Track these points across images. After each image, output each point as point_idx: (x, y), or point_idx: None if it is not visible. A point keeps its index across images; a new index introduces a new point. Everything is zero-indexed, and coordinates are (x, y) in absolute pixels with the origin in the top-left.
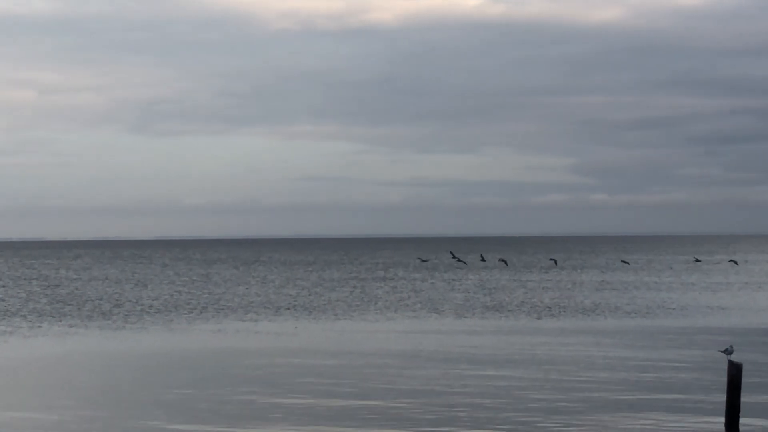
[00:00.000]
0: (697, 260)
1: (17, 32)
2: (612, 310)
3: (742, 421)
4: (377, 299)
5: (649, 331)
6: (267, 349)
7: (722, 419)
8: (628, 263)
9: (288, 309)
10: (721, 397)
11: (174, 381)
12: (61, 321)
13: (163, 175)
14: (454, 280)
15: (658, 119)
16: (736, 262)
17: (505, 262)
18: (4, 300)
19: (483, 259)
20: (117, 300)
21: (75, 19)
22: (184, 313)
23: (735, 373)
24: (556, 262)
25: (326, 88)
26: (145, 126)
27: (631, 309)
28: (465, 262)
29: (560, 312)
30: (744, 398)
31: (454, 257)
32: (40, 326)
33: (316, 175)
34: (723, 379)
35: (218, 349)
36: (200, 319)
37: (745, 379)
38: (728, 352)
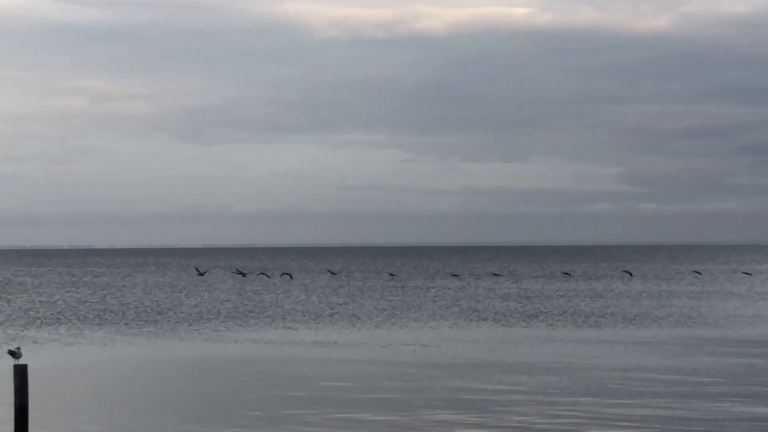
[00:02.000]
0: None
1: (68, 41)
2: (653, 320)
3: None
4: (419, 307)
5: (691, 341)
6: (304, 359)
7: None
8: (700, 273)
9: (328, 317)
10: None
11: (209, 392)
12: (103, 328)
13: (211, 183)
14: (492, 288)
15: (708, 128)
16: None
17: (290, 276)
18: (49, 308)
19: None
20: (159, 308)
21: (125, 27)
22: (225, 321)
23: None
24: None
25: (375, 96)
26: (195, 134)
27: (673, 319)
28: (244, 274)
29: (601, 321)
30: None
31: (238, 272)
32: (83, 333)
33: (364, 183)
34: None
35: (256, 358)
36: (241, 327)
37: None
38: None
